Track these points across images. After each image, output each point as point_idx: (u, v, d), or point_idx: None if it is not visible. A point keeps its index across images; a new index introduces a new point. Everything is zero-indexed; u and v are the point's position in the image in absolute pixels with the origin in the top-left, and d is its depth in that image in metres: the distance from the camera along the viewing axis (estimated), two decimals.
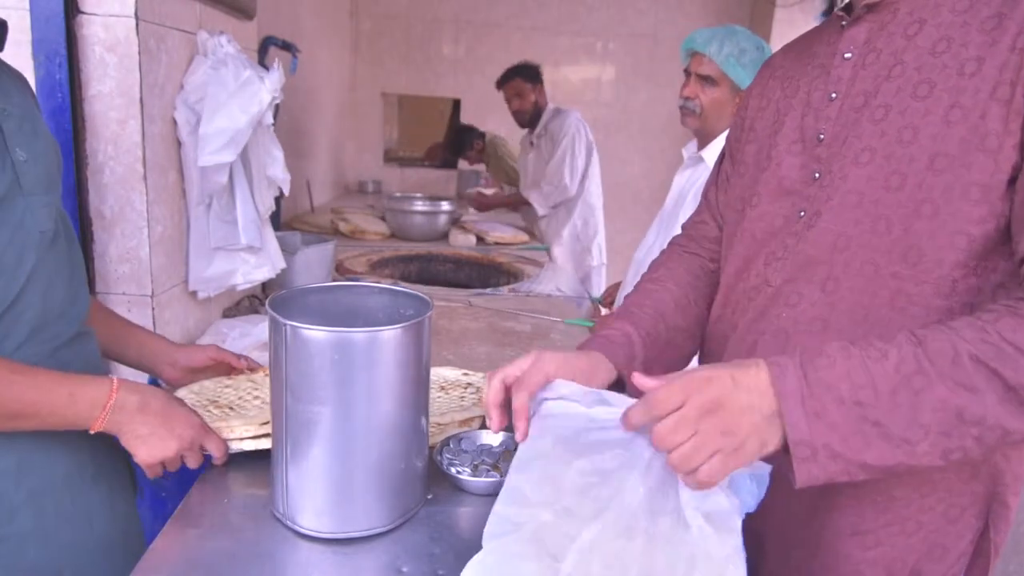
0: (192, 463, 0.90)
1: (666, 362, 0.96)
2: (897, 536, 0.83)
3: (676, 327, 0.98)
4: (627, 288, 2.13)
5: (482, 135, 4.31)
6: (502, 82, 3.42)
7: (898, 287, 0.77)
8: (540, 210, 3.40)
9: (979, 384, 0.63)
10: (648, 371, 0.87)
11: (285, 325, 0.77)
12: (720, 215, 1.05)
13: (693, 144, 2.02)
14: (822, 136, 0.83)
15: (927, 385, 0.64)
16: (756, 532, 0.87)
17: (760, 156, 0.92)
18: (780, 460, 0.69)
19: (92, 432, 0.83)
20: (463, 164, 4.60)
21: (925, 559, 0.83)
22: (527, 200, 3.45)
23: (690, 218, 1.13)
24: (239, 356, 1.14)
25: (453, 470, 0.94)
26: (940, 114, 0.72)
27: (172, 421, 0.86)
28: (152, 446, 0.85)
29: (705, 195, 1.11)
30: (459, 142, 4.40)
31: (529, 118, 3.42)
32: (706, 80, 1.74)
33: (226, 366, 1.12)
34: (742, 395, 0.66)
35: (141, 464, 0.87)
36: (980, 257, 0.73)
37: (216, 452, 0.91)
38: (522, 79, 3.35)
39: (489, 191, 3.94)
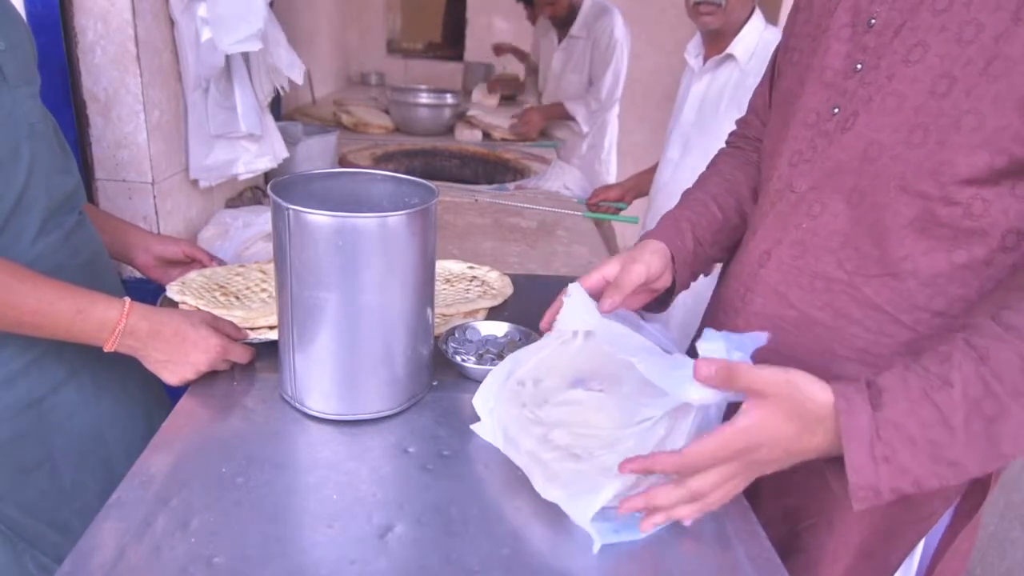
0: (222, 367, 0.90)
1: (724, 242, 0.96)
2: None
3: (727, 206, 0.96)
4: (656, 213, 2.00)
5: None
6: None
7: (924, 207, 0.70)
8: (584, 126, 2.93)
9: None
10: (703, 252, 0.92)
11: (288, 210, 0.75)
12: (765, 115, 0.98)
13: (695, 44, 1.79)
14: (874, 21, 0.73)
15: (1001, 411, 0.58)
16: None
17: (813, 40, 0.82)
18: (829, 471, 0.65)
19: (106, 351, 0.82)
20: (469, 56, 4.41)
21: None
22: (570, 114, 2.92)
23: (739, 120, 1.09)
24: (212, 256, 1.14)
25: (458, 358, 0.95)
26: (1011, 10, 0.62)
27: (185, 347, 0.85)
28: (172, 372, 0.86)
29: (752, 98, 1.04)
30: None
31: (563, 18, 2.95)
32: None
33: (198, 264, 1.12)
34: (792, 425, 0.61)
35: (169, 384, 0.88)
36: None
37: (242, 360, 0.91)
38: None
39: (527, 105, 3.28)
